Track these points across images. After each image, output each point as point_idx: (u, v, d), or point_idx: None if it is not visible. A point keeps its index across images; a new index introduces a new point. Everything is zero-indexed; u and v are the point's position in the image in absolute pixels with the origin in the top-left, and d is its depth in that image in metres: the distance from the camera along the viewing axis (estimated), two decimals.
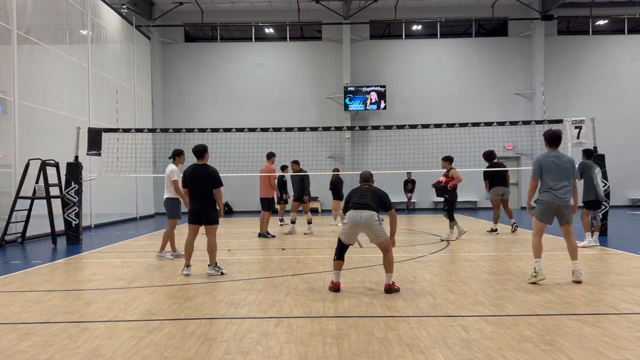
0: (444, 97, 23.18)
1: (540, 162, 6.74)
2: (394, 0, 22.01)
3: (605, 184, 11.89)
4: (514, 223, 12.88)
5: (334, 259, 6.43)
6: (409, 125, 13.61)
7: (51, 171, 12.22)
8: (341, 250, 6.42)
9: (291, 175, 13.78)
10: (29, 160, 11.84)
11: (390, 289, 6.22)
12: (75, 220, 11.75)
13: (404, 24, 23.70)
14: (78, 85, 15.90)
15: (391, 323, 4.90)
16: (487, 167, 13.06)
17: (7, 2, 12.37)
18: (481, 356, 3.98)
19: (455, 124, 13.39)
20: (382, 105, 22.72)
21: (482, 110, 22.12)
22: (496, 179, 12.87)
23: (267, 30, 24.46)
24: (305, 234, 12.97)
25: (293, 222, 13.37)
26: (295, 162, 13.54)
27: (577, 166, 9.44)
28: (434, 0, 22.73)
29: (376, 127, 14.47)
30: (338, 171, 15.35)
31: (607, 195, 11.88)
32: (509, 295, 5.98)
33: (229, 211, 22.82)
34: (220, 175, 7.59)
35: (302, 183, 13.34)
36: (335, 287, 6.33)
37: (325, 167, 19.47)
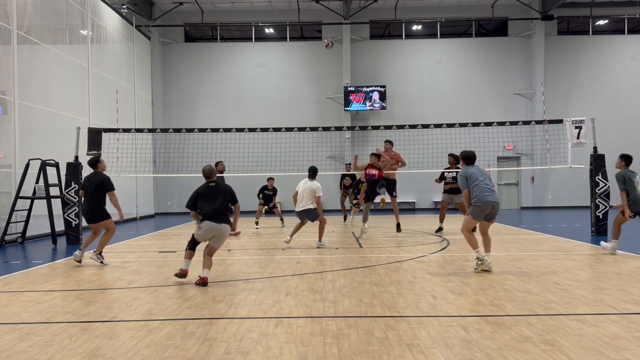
0: (444, 97, 23.19)
1: (465, 175, 7.55)
2: (394, 0, 22.01)
3: (605, 184, 11.90)
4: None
5: (186, 249, 7.13)
6: (409, 125, 13.63)
7: (51, 171, 12.22)
8: (194, 243, 7.17)
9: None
10: (29, 160, 11.84)
11: (203, 282, 6.73)
12: (75, 220, 11.75)
13: (404, 24, 23.69)
14: (78, 85, 15.91)
15: (391, 323, 4.90)
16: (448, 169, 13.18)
17: (7, 2, 12.38)
18: (481, 356, 3.98)
19: (455, 124, 13.40)
20: (382, 105, 22.71)
21: (482, 110, 22.13)
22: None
23: (267, 30, 24.46)
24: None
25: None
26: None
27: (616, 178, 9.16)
28: (434, 0, 22.73)
29: (376, 127, 14.48)
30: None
31: (607, 195, 11.90)
32: (509, 295, 5.98)
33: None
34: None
35: None
36: (182, 273, 6.97)
37: (326, 167, 19.49)
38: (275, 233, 13.69)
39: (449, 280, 6.88)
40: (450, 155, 13.03)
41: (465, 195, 7.58)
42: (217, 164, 13.07)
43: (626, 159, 9.31)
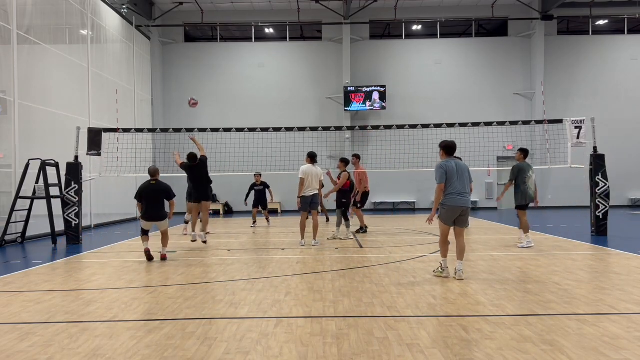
0: (444, 97, 23.19)
1: (444, 168, 6.96)
2: (394, 0, 22.01)
3: (605, 184, 11.90)
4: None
5: (141, 235, 9.21)
6: (409, 125, 13.62)
7: (51, 171, 12.22)
8: (143, 231, 9.20)
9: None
10: (29, 160, 11.84)
11: (164, 258, 8.95)
12: (75, 220, 11.75)
13: (404, 24, 23.69)
14: (78, 85, 15.91)
15: (391, 323, 4.90)
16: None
17: (7, 2, 12.38)
18: (481, 356, 3.98)
19: (455, 124, 13.41)
20: (382, 105, 22.71)
21: (482, 110, 22.14)
22: None
23: (267, 30, 24.46)
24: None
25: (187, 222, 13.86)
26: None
27: (511, 169, 10.19)
28: (434, 0, 22.72)
29: (376, 127, 14.47)
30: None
31: (607, 195, 11.91)
32: (509, 295, 5.98)
33: (229, 211, 22.84)
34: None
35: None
36: (146, 252, 8.91)
37: (326, 167, 19.47)
38: (275, 233, 13.68)
39: (449, 280, 6.89)
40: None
41: (440, 189, 6.93)
42: (255, 175, 15.48)
43: (524, 152, 10.24)
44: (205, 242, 10.98)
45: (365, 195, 12.90)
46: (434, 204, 7.16)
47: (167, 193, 9.10)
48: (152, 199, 8.98)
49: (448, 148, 7.14)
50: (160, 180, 9.22)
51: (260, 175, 15.73)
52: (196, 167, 10.85)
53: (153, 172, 9.17)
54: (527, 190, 9.96)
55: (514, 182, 10.05)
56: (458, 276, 6.91)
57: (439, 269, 7.18)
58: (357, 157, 13.34)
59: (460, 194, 6.92)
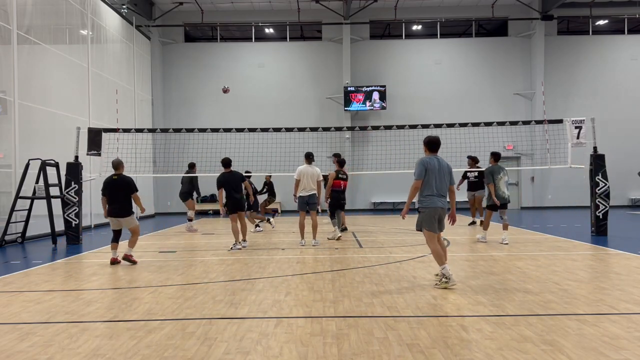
0: (444, 97, 23.19)
1: (425, 164, 6.56)
2: (394, 0, 22.01)
3: (605, 184, 11.91)
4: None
5: (112, 242, 8.81)
6: (409, 125, 13.62)
7: (51, 171, 12.22)
8: (115, 236, 8.84)
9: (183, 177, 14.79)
10: (29, 160, 11.84)
11: (127, 258, 8.55)
12: (75, 220, 11.75)
13: (404, 24, 23.69)
14: (78, 85, 15.91)
15: (391, 323, 4.90)
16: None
17: (7, 2, 12.38)
18: (481, 356, 3.98)
19: (455, 124, 13.40)
20: (382, 105, 22.71)
21: (482, 110, 22.14)
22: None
23: (267, 30, 24.46)
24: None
25: (189, 219, 14.44)
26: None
27: (485, 171, 10.84)
28: (434, 0, 22.72)
29: (376, 127, 14.48)
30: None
31: (607, 195, 11.91)
32: (509, 295, 5.98)
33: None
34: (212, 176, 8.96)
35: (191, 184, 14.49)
36: (113, 261, 8.55)
37: (326, 167, 19.46)
38: (275, 233, 13.68)
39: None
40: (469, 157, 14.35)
41: (416, 186, 6.55)
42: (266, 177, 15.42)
43: (495, 156, 10.90)
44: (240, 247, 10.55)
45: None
46: (407, 200, 6.73)
47: (128, 187, 8.66)
48: (114, 194, 8.61)
49: (431, 144, 6.75)
50: (124, 175, 8.82)
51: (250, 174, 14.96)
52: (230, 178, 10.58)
53: (116, 166, 8.77)
54: (496, 192, 10.54)
55: (489, 183, 10.68)
56: (442, 285, 6.45)
57: (443, 280, 6.41)
58: (336, 156, 13.36)
59: (439, 196, 6.55)
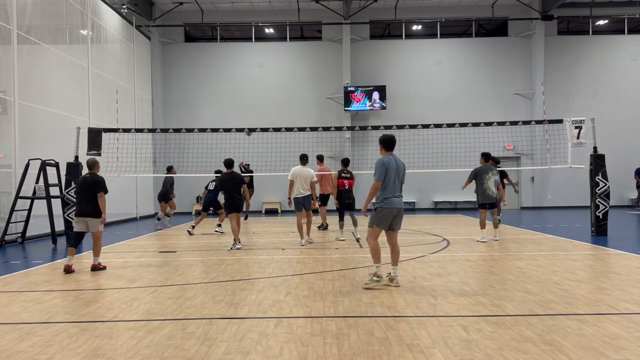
0: (444, 97, 23.19)
1: (385, 164, 6.48)
2: (394, 0, 22.01)
3: (605, 184, 11.91)
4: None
5: (69, 246, 8.28)
6: (409, 125, 13.62)
7: (51, 171, 12.22)
8: (76, 239, 8.37)
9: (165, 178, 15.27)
10: (29, 160, 11.84)
11: (96, 268, 8.07)
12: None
13: (404, 24, 23.69)
14: (78, 85, 15.90)
15: (391, 323, 4.90)
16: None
17: (7, 2, 12.38)
18: (481, 356, 3.98)
19: (455, 124, 13.40)
20: (382, 105, 22.71)
21: (482, 110, 22.14)
22: None
23: (267, 30, 24.46)
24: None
25: (159, 218, 15.30)
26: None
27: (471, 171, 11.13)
28: (434, 0, 22.72)
29: (376, 127, 14.45)
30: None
31: (607, 195, 11.91)
32: (509, 295, 5.98)
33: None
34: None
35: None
36: (67, 269, 7.86)
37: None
38: (275, 233, 13.68)
39: (449, 281, 6.88)
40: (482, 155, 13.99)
41: (377, 187, 6.48)
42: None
43: (485, 157, 11.12)
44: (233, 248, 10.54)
45: (326, 195, 13.57)
46: (367, 198, 6.70)
47: (95, 186, 8.25)
48: (83, 194, 8.28)
49: (388, 142, 6.63)
50: (96, 174, 8.51)
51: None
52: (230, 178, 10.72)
53: (91, 165, 8.53)
54: (485, 191, 10.83)
55: (472, 181, 11.05)
56: (395, 283, 6.49)
57: (374, 278, 6.44)
58: (319, 158, 13.82)
59: (397, 196, 6.53)
